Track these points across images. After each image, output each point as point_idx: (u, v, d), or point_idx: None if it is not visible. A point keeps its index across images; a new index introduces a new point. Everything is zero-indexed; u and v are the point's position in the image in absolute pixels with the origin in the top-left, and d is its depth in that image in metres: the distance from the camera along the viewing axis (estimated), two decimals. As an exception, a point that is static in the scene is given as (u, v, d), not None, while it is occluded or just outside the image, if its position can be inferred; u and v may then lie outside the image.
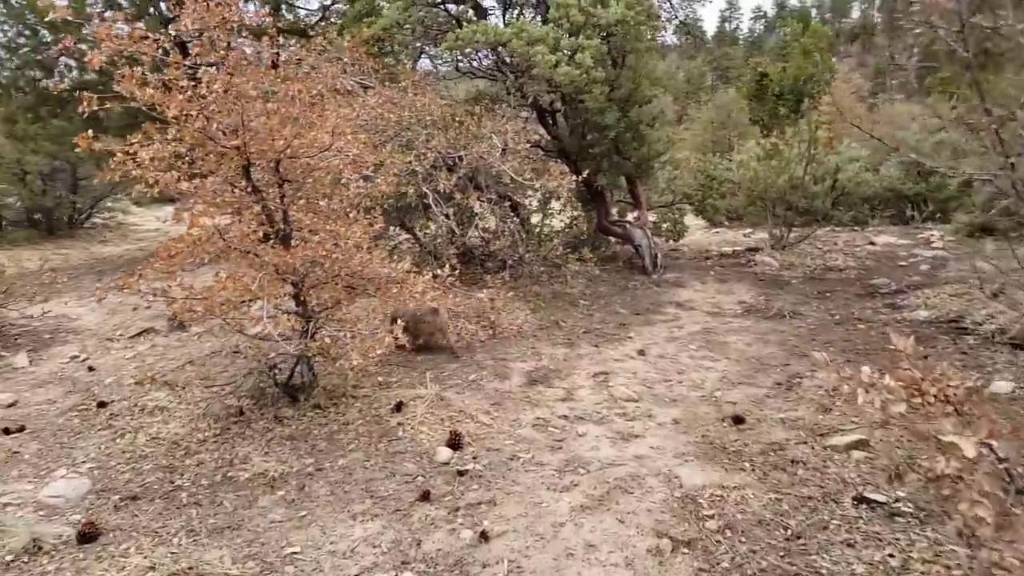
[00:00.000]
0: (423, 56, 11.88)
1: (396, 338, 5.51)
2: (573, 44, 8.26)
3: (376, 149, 6.81)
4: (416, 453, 5.25)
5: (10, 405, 7.10)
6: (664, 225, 11.93)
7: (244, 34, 6.15)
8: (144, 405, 6.59)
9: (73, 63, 13.94)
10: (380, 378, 6.61)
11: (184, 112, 5.23)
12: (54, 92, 14.35)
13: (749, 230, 16.17)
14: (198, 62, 5.62)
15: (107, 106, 5.32)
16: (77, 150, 5.13)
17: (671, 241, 12.16)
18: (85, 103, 5.22)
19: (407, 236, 10.57)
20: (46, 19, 5.37)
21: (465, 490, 4.74)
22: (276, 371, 6.16)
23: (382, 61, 10.74)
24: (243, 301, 5.16)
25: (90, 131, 5.10)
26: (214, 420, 5.90)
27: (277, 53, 7.41)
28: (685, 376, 6.74)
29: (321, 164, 6.18)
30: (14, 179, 18.90)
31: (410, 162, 7.60)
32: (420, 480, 4.90)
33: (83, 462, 5.50)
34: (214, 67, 5.46)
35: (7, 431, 6.38)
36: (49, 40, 13.49)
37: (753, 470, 4.83)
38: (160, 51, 5.48)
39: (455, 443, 5.30)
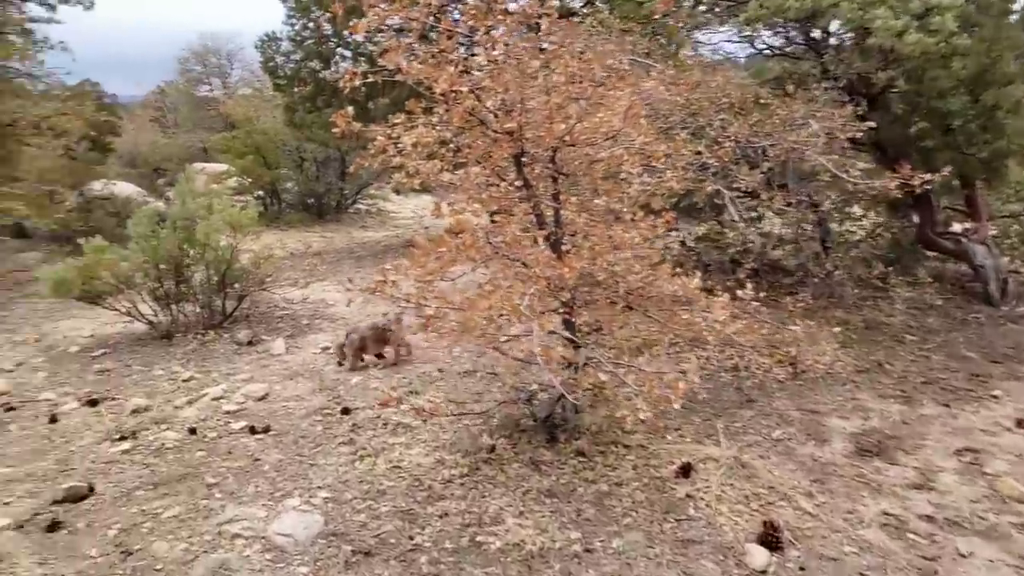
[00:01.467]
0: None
1: (694, 382, 4.18)
2: (925, 4, 6.31)
3: (663, 137, 5.51)
4: (717, 546, 3.89)
5: (262, 398, 6.82)
6: (1007, 240, 9.30)
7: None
8: (387, 419, 5.91)
9: (348, 53, 14.25)
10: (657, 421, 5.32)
11: (454, 88, 4.29)
12: (330, 82, 14.84)
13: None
14: (473, 28, 4.69)
15: (371, 79, 4.57)
16: (335, 130, 4.41)
17: (1016, 262, 9.48)
18: (348, 78, 4.50)
19: (672, 240, 9.18)
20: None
21: (799, 627, 3.30)
22: (535, 403, 5.11)
23: (656, 41, 9.42)
24: (504, 317, 4.10)
25: (350, 108, 4.35)
26: (462, 455, 4.98)
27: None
28: (1103, 469, 4.67)
29: (602, 155, 5.01)
30: (293, 165, 20.30)
31: (700, 152, 6.20)
32: (728, 594, 3.54)
33: (319, 488, 4.83)
34: (491, 31, 4.46)
35: (253, 430, 6.01)
36: (329, 32, 13.88)
37: None
38: (431, 18, 4.63)
39: (771, 540, 3.86)
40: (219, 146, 20.88)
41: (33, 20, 12.31)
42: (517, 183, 4.72)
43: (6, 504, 4.90)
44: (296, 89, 14.79)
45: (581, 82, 4.53)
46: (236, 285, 9.62)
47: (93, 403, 6.98)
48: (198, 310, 9.62)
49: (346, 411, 6.25)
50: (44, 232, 15.41)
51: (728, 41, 9.22)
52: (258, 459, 5.43)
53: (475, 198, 4.84)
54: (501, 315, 3.92)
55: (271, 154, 19.79)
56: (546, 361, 3.67)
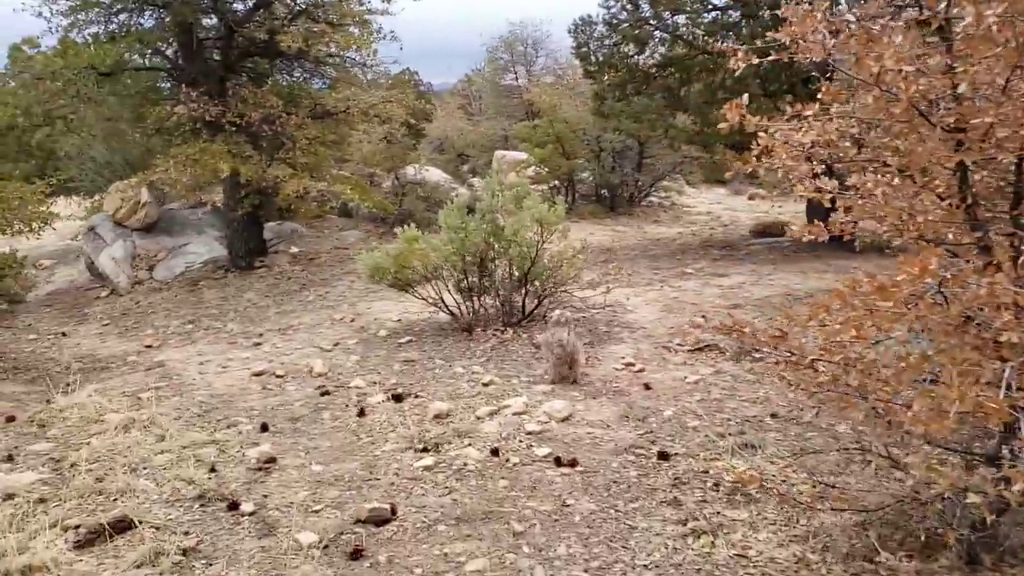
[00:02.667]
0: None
1: None
2: None
3: None
4: None
5: (565, 419, 6.12)
6: None
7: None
8: (719, 479, 4.82)
9: (666, 35, 13.23)
10: None
11: (899, 68, 3.02)
12: (642, 69, 13.98)
13: None
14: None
15: (763, 61, 3.47)
16: (722, 125, 3.37)
17: None
18: (739, 57, 3.43)
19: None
20: None
21: None
22: (948, 505, 3.68)
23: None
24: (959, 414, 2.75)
25: (745, 97, 3.27)
26: (834, 558, 3.74)
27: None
28: None
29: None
30: (591, 155, 19.90)
31: None
32: None
33: (645, 567, 3.90)
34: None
35: (559, 462, 5.28)
36: (647, 14, 12.98)
37: None
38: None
39: None
40: (521, 134, 21.17)
41: (370, 12, 13.00)
42: (964, 205, 3.32)
43: (315, 513, 4.66)
44: (606, 76, 14.16)
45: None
46: (535, 283, 9.15)
47: (398, 398, 6.81)
48: (498, 305, 9.33)
49: (664, 456, 5.27)
50: (364, 213, 16.59)
51: None
52: (567, 504, 4.66)
53: (877, 219, 3.54)
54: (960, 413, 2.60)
55: (570, 143, 19.56)
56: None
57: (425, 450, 5.53)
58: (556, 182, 20.11)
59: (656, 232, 18.62)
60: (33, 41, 18.20)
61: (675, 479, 4.90)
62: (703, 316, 5.48)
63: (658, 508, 4.55)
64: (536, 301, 9.24)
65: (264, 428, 6.25)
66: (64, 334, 10.78)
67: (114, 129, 15.29)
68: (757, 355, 7.51)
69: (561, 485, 4.94)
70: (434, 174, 19.50)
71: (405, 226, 9.37)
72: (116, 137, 15.74)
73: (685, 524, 4.29)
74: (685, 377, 7.08)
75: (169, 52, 13.74)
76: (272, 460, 5.49)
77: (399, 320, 10.09)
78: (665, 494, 4.72)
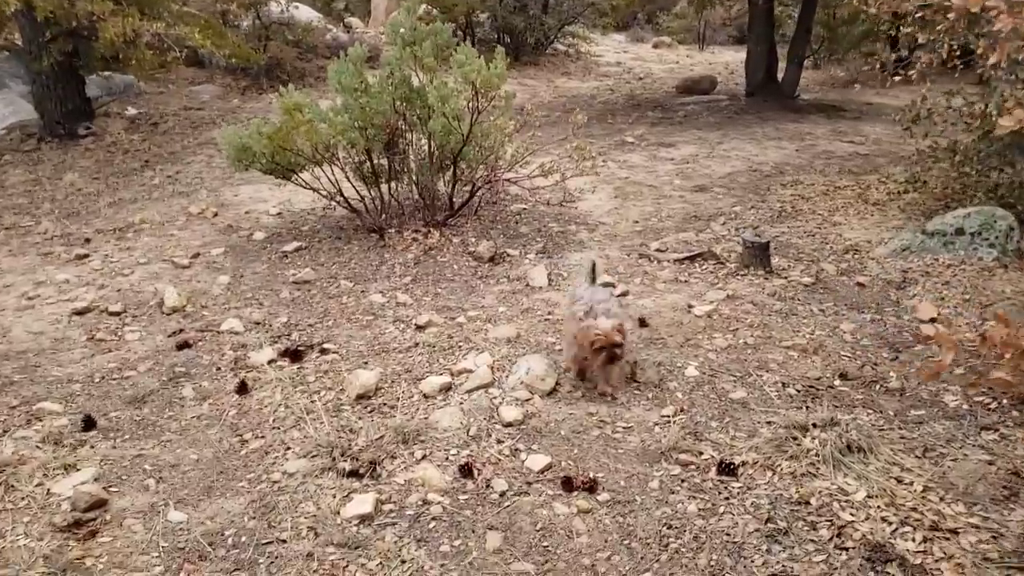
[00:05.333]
0: None
1: None
2: None
3: None
4: None
5: (552, 391, 4.20)
6: None
7: None
8: (835, 518, 3.09)
9: None
10: None
11: None
12: None
13: None
14: None
15: None
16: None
17: None
18: None
19: None
20: None
21: None
22: None
23: None
24: None
25: None
26: None
27: None
28: None
29: None
30: (492, -9, 16.92)
31: None
32: None
33: None
34: None
35: (569, 485, 3.41)
36: None
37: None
38: None
39: None
40: (406, -36, 17.68)
41: None
42: None
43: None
44: None
45: None
46: (464, 166, 6.92)
47: (296, 355, 4.65)
48: (415, 197, 7.08)
49: (728, 470, 3.47)
50: (220, 62, 13.21)
51: None
52: (611, 587, 2.83)
53: None
54: None
55: (467, -21, 16.45)
56: None
57: (356, 474, 3.47)
58: (452, 24, 17.07)
59: (570, 87, 16.35)
60: None
61: (765, 521, 3.13)
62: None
63: (762, 594, 2.80)
64: (468, 191, 7.03)
65: (89, 424, 3.96)
66: None
67: None
68: (777, 271, 5.81)
69: (587, 539, 3.07)
70: (304, 12, 15.97)
71: (281, 85, 6.78)
72: None
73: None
74: (690, 307, 5.27)
75: None
76: (100, 504, 3.27)
77: (279, 214, 7.64)
78: (761, 556, 2.96)
